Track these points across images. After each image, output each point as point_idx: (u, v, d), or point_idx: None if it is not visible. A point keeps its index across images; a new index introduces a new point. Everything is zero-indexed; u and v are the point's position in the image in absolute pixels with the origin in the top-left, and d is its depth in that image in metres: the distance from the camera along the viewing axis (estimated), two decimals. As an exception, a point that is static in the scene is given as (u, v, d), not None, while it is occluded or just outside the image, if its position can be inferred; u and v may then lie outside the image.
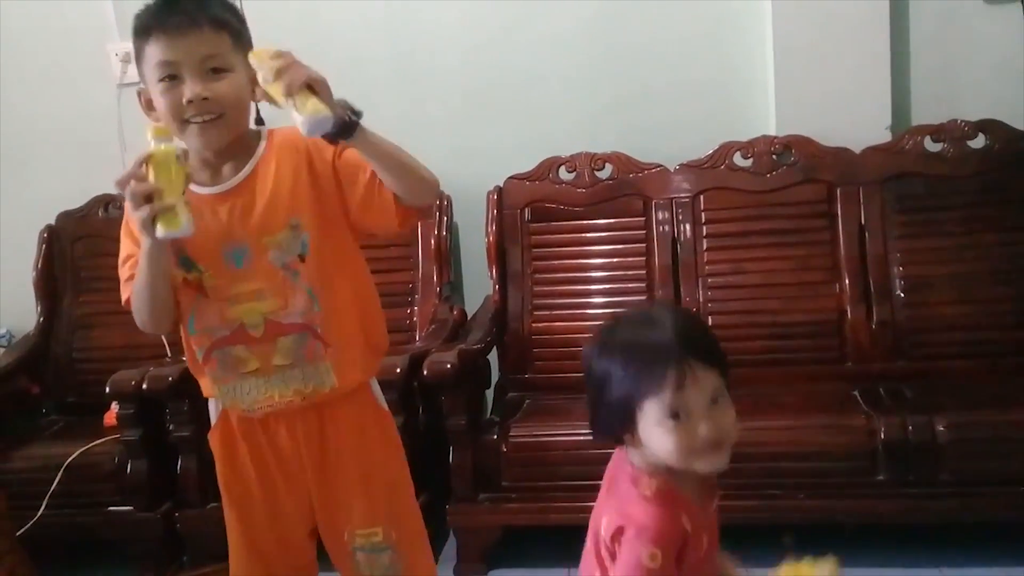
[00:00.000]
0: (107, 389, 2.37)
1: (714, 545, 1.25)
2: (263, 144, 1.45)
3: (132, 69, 2.86)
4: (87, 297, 2.92)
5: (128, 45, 2.97)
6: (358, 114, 1.32)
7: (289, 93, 1.23)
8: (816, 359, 2.53)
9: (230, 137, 1.40)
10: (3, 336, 3.03)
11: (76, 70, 2.96)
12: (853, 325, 2.51)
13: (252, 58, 1.28)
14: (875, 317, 2.51)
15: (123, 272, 1.46)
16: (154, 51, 1.35)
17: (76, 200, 2.96)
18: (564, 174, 2.74)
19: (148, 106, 1.41)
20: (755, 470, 2.15)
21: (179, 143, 1.34)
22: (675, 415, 1.10)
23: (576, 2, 2.77)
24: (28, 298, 2.92)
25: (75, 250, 2.94)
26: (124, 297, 1.46)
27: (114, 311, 2.86)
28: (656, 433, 1.12)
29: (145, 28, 1.37)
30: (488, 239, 2.72)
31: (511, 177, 2.75)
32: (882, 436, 2.15)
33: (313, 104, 1.23)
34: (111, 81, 2.92)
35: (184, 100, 1.33)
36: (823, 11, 2.60)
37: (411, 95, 2.87)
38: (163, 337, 2.74)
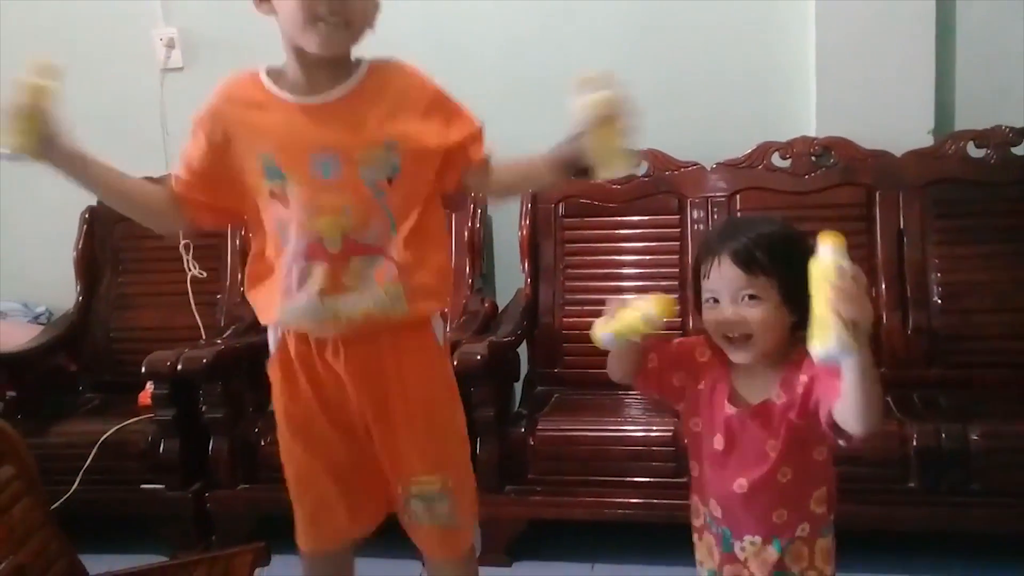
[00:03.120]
0: (143, 369, 2.40)
1: (733, 443, 1.36)
2: (365, 65, 1.46)
3: (176, 54, 2.95)
4: (126, 278, 2.97)
5: (172, 30, 3.04)
6: None
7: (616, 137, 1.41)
8: (850, 364, 2.50)
9: (347, 48, 1.41)
10: (43, 314, 3.08)
11: (121, 55, 3.01)
12: (889, 331, 2.48)
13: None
14: (911, 323, 2.48)
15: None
16: None
17: (118, 183, 3.00)
18: (600, 170, 2.73)
19: (261, 2, 1.41)
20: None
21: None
22: (711, 299, 1.32)
23: (616, -1, 2.77)
24: (68, 278, 2.97)
25: (115, 232, 2.99)
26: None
27: (151, 292, 2.94)
28: (704, 309, 1.35)
29: None
30: (521, 233, 2.73)
31: (547, 172, 2.75)
32: (915, 443, 2.12)
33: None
34: (155, 66, 2.96)
35: (323, 2, 1.33)
36: (867, 11, 2.57)
37: (448, 87, 2.87)
38: (198, 318, 2.79)
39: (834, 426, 1.22)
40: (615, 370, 1.43)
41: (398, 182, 1.43)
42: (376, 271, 1.43)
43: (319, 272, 1.42)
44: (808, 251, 1.17)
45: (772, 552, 1.34)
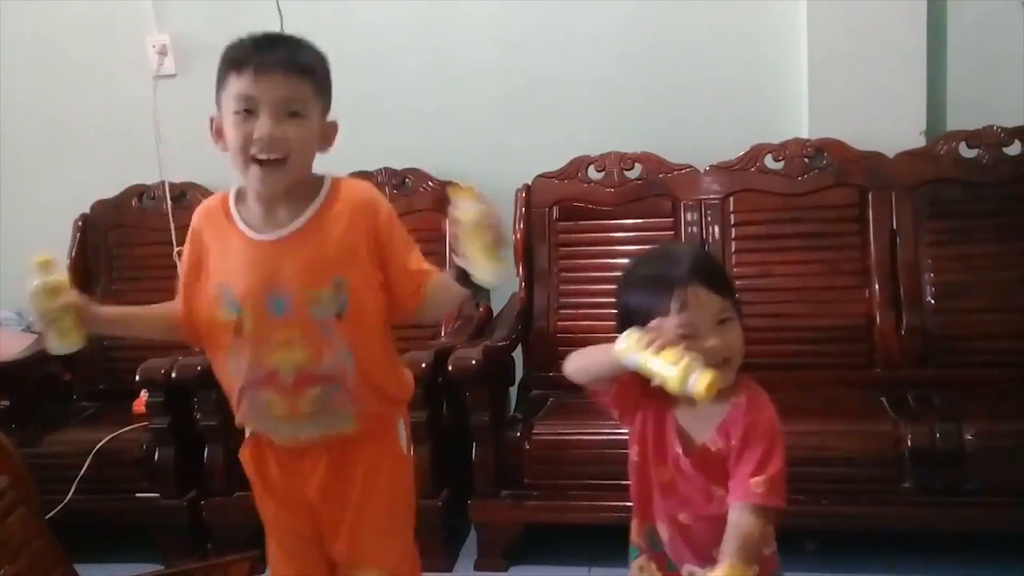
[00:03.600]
0: (137, 377, 2.40)
1: (678, 478, 1.34)
2: (324, 193, 1.46)
3: (168, 61, 2.94)
4: (120, 286, 2.96)
5: (165, 37, 3.04)
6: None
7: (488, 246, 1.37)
8: (844, 364, 2.51)
9: (289, 182, 1.41)
10: (36, 323, 3.07)
11: (113, 62, 3.00)
12: (882, 331, 2.49)
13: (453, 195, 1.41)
14: (905, 323, 2.49)
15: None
16: (237, 84, 1.37)
17: (111, 190, 3.00)
18: (593, 173, 2.74)
19: (217, 134, 1.43)
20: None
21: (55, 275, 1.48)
22: (683, 335, 1.25)
23: (609, 2, 2.77)
24: (62, 286, 2.96)
25: (109, 239, 2.98)
26: None
27: (146, 300, 2.88)
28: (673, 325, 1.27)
29: (235, 61, 1.39)
30: (515, 237, 2.73)
31: (540, 175, 2.76)
32: (909, 443, 2.13)
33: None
34: (147, 73, 2.95)
35: (254, 136, 1.36)
36: (859, 13, 2.58)
37: (444, 93, 2.89)
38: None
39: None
40: (583, 371, 1.37)
41: (348, 317, 1.44)
42: (331, 400, 1.46)
43: (275, 401, 1.46)
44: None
45: None
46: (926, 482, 2.13)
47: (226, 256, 1.45)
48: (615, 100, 2.82)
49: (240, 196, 1.48)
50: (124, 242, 2.98)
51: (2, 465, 1.59)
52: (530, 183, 2.76)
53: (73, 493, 2.41)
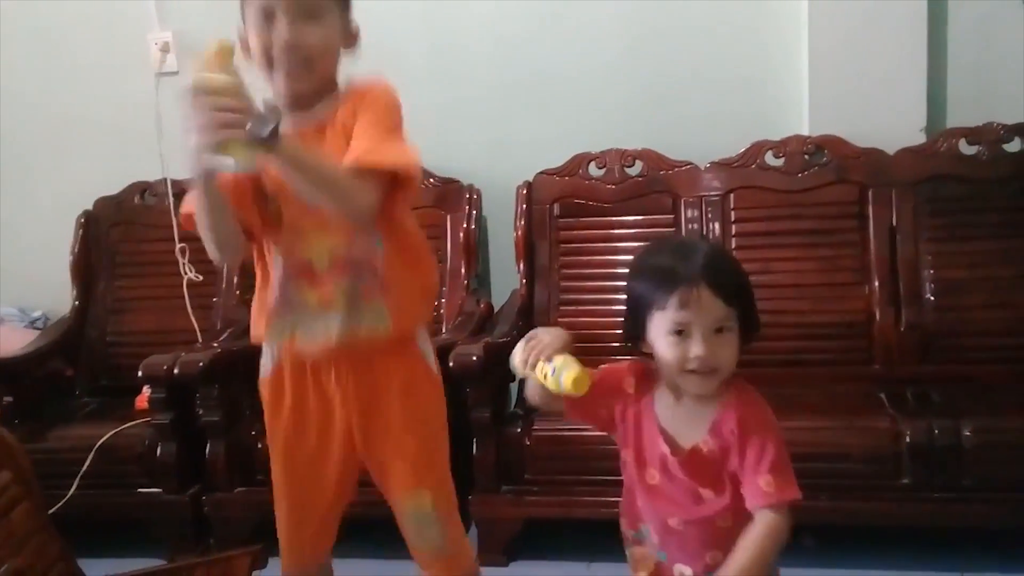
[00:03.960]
0: (139, 373, 2.41)
1: (666, 481, 1.31)
2: (344, 86, 1.48)
3: (170, 58, 2.95)
4: (122, 282, 2.97)
5: (167, 35, 3.05)
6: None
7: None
8: (843, 361, 2.52)
9: (317, 85, 1.43)
10: (39, 319, 3.09)
11: (116, 59, 3.01)
12: (881, 327, 2.50)
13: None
14: (904, 320, 2.49)
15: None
16: None
17: (114, 187, 3.01)
18: (594, 170, 2.74)
19: (245, 47, 1.44)
20: (778, 470, 2.16)
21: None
22: (678, 331, 1.22)
23: (610, -1, 2.78)
24: (64, 282, 2.97)
25: (111, 236, 2.99)
26: (183, 219, 1.47)
27: (148, 296, 2.94)
28: (660, 342, 1.25)
29: None
30: (516, 233, 2.73)
31: (541, 172, 2.76)
32: (907, 439, 2.14)
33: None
34: (150, 70, 2.95)
35: (275, 44, 1.37)
36: (859, 10, 2.58)
37: (444, 89, 2.89)
38: (194, 322, 2.80)
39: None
40: (535, 397, 1.32)
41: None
42: (363, 288, 1.46)
43: (308, 292, 1.47)
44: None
45: None
46: (924, 478, 2.14)
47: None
48: (616, 97, 2.83)
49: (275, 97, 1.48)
50: (126, 239, 2.98)
51: (5, 460, 1.59)
52: (531, 180, 2.77)
53: (76, 488, 2.42)
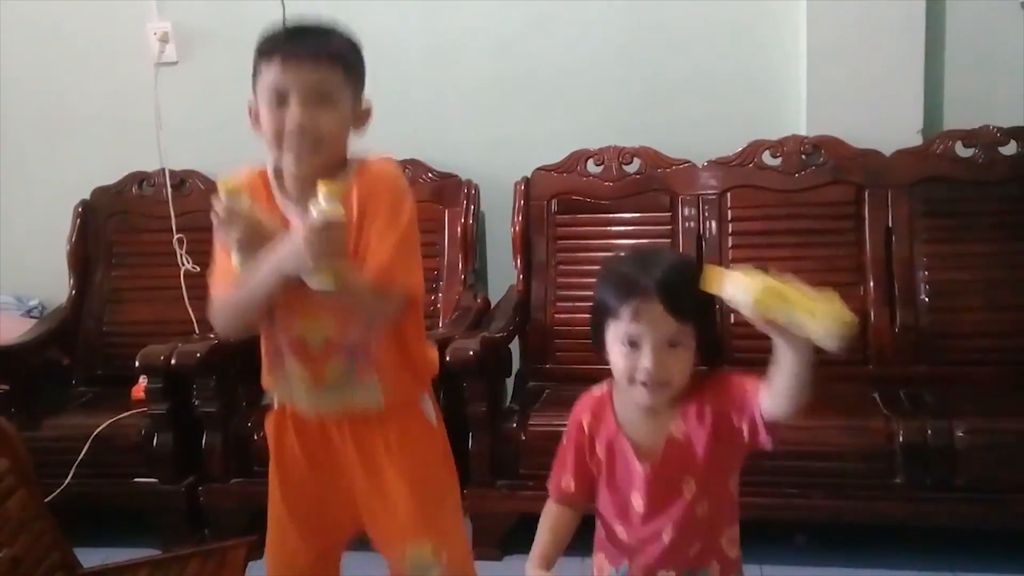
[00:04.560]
0: (136, 363, 2.41)
1: (636, 478, 1.29)
2: (353, 172, 1.47)
3: (170, 49, 2.95)
4: (119, 272, 2.97)
5: (167, 24, 3.04)
6: None
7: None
8: (837, 360, 2.47)
9: (321, 165, 1.43)
10: (35, 308, 3.09)
11: (115, 49, 3.00)
12: (876, 328, 2.51)
13: None
14: (899, 321, 2.51)
15: (217, 280, 1.52)
16: (270, 73, 1.39)
17: (111, 176, 3.01)
18: (592, 167, 2.75)
19: (255, 119, 1.45)
20: (772, 468, 2.16)
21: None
22: (631, 343, 1.21)
23: (609, -4, 2.78)
24: (61, 271, 2.97)
25: (108, 225, 2.99)
26: (222, 295, 1.52)
27: (145, 286, 2.94)
28: (613, 351, 1.24)
29: (267, 51, 1.41)
30: (514, 229, 2.74)
31: (539, 168, 2.77)
32: (900, 439, 2.15)
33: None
34: (149, 60, 2.95)
35: (287, 127, 1.38)
36: (858, 12, 2.60)
37: (442, 85, 2.90)
38: (191, 313, 2.80)
39: (764, 425, 1.22)
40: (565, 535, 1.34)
41: None
42: (357, 370, 1.49)
43: (302, 369, 1.49)
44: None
45: None
46: (917, 477, 2.16)
47: (265, 224, 1.45)
48: (614, 94, 2.83)
49: (276, 172, 1.50)
50: (124, 228, 2.98)
51: (2, 449, 1.60)
52: (529, 176, 2.78)
53: (72, 477, 2.43)
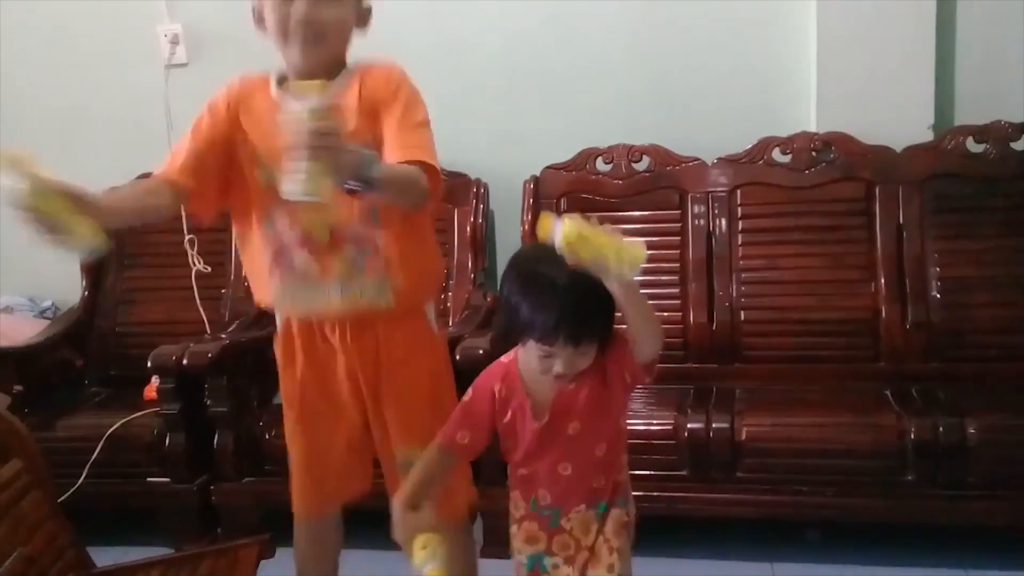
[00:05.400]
0: (148, 363, 2.42)
1: (531, 428, 1.44)
2: (351, 68, 1.53)
3: (180, 50, 2.96)
4: (131, 273, 2.99)
5: (177, 27, 3.06)
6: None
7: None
8: (849, 358, 2.52)
9: (328, 60, 1.48)
10: (48, 309, 3.11)
11: (125, 51, 3.02)
12: (887, 325, 2.50)
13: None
14: (910, 317, 2.50)
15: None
16: None
17: (122, 178, 2.97)
18: (601, 165, 2.75)
19: (259, 19, 1.50)
20: (783, 466, 2.17)
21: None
22: (547, 355, 1.34)
23: (619, -6, 2.78)
24: (74, 272, 2.99)
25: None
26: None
27: (157, 287, 2.96)
28: (529, 354, 1.38)
29: None
30: (523, 228, 2.74)
31: (548, 167, 2.77)
32: (912, 436, 2.14)
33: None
34: (160, 62, 2.97)
35: (292, 19, 1.42)
36: (868, 7, 2.58)
37: (452, 83, 2.90)
38: (202, 313, 2.81)
39: (641, 368, 1.39)
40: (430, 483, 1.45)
41: None
42: (367, 261, 1.51)
43: (310, 261, 1.52)
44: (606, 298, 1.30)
45: (592, 515, 1.47)
46: (928, 475, 2.14)
47: (260, 123, 1.51)
48: (623, 92, 2.83)
49: (279, 77, 1.54)
50: (136, 230, 2.98)
51: (16, 449, 1.61)
52: (538, 174, 2.77)
53: (85, 477, 2.45)
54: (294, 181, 1.25)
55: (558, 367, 1.34)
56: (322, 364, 1.61)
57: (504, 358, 1.48)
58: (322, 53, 1.47)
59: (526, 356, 1.40)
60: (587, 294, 1.29)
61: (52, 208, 1.24)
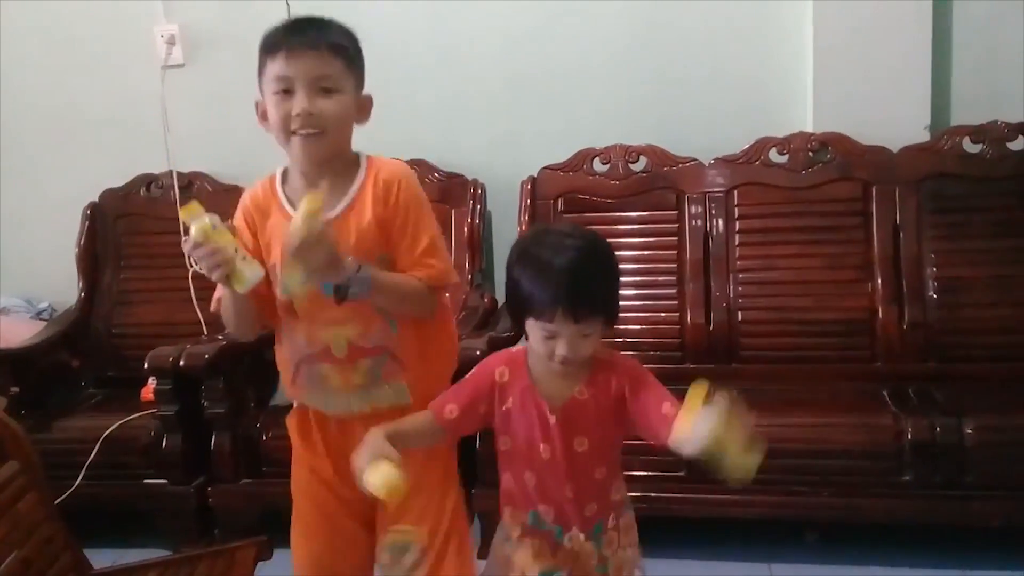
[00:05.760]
0: (145, 364, 2.41)
1: (542, 435, 1.42)
2: (363, 171, 1.52)
3: (177, 51, 2.96)
4: (127, 274, 2.99)
5: (174, 27, 3.06)
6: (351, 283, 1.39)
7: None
8: (846, 358, 2.53)
9: (330, 153, 1.49)
10: (45, 310, 3.10)
11: (122, 51, 3.01)
12: (884, 325, 2.50)
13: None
14: (907, 317, 2.50)
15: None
16: (274, 66, 1.45)
17: (119, 179, 3.02)
18: (598, 166, 2.75)
19: (263, 116, 1.51)
20: (781, 466, 2.16)
21: (211, 217, 1.38)
22: (550, 335, 1.34)
23: (615, -6, 2.78)
24: (70, 273, 2.99)
25: (117, 227, 3.01)
26: (213, 307, 1.57)
27: (154, 288, 2.95)
28: (532, 334, 1.38)
29: (271, 46, 1.47)
30: (521, 228, 2.74)
31: (545, 167, 2.77)
32: (909, 436, 2.14)
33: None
34: (156, 63, 2.96)
35: (293, 113, 1.43)
36: (865, 8, 2.59)
37: (449, 85, 2.90)
38: (199, 314, 2.81)
39: (663, 445, 1.33)
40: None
41: None
42: (384, 370, 1.52)
43: (330, 373, 1.53)
44: (610, 256, 1.36)
45: (590, 546, 1.45)
46: (926, 475, 2.15)
47: (275, 237, 1.51)
48: (620, 93, 2.83)
49: (284, 177, 1.55)
50: (132, 231, 3.00)
51: (12, 450, 1.60)
52: (535, 175, 2.78)
53: (82, 479, 2.44)
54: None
55: (560, 348, 1.33)
56: (337, 445, 1.58)
57: (514, 348, 1.48)
58: (323, 147, 1.47)
59: (533, 342, 1.38)
60: (588, 270, 1.31)
61: (224, 242, 1.37)
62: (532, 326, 1.36)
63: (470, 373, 1.48)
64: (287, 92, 1.44)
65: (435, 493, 1.60)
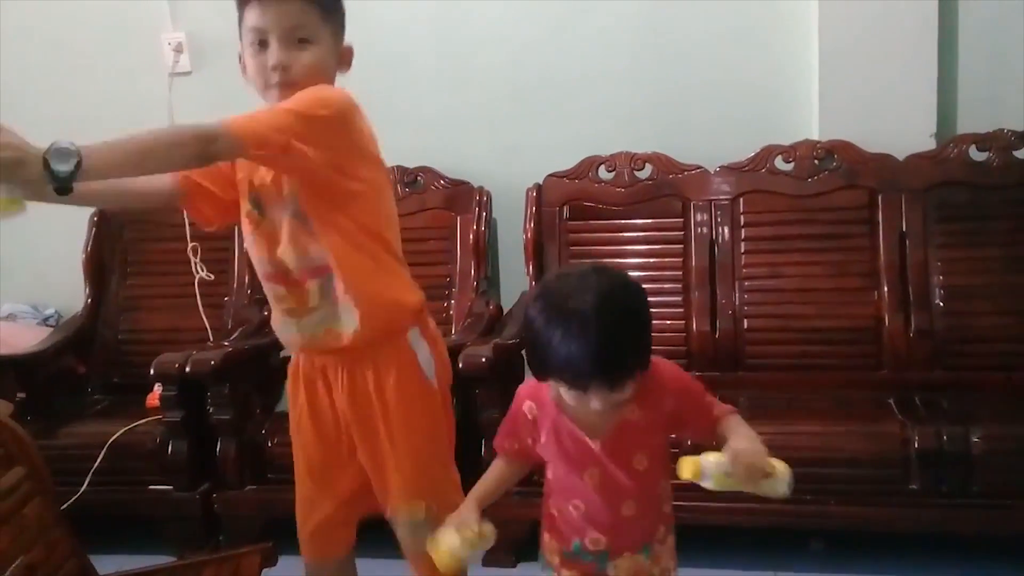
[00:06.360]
0: (151, 371, 2.43)
1: (585, 463, 1.38)
2: None
3: (184, 59, 2.97)
4: (134, 280, 3.00)
5: (181, 35, 3.07)
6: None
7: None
8: (852, 366, 2.52)
9: None
10: (51, 316, 3.11)
11: (129, 60, 3.03)
12: (891, 333, 2.50)
13: None
14: (913, 325, 2.49)
15: None
16: (249, 17, 1.46)
17: (125, 186, 3.02)
18: (603, 173, 2.75)
19: (244, 68, 1.52)
20: (786, 474, 2.16)
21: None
22: (582, 395, 1.29)
23: (620, 2, 2.78)
24: (77, 280, 3.00)
25: (124, 234, 3.02)
26: None
27: (160, 295, 2.96)
28: (563, 391, 1.31)
29: None
30: (526, 235, 2.74)
31: (550, 175, 2.77)
32: (916, 445, 2.14)
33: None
34: (163, 70, 2.97)
35: (268, 65, 1.44)
36: (871, 15, 2.58)
37: (455, 92, 2.90)
38: (205, 321, 2.81)
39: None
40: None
41: (307, 210, 1.47)
42: (331, 290, 1.50)
43: (285, 295, 1.53)
44: (642, 305, 1.29)
45: (642, 559, 1.42)
46: (932, 484, 2.14)
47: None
48: (626, 100, 2.83)
49: None
50: (139, 237, 3.01)
51: (19, 456, 1.61)
52: (541, 182, 2.78)
53: (87, 485, 2.44)
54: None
55: (595, 404, 1.28)
56: (321, 404, 1.60)
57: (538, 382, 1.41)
58: None
59: (563, 393, 1.32)
60: (621, 338, 1.22)
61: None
62: (562, 386, 1.30)
63: (513, 408, 1.46)
64: (263, 44, 1.44)
65: (444, 463, 1.65)
